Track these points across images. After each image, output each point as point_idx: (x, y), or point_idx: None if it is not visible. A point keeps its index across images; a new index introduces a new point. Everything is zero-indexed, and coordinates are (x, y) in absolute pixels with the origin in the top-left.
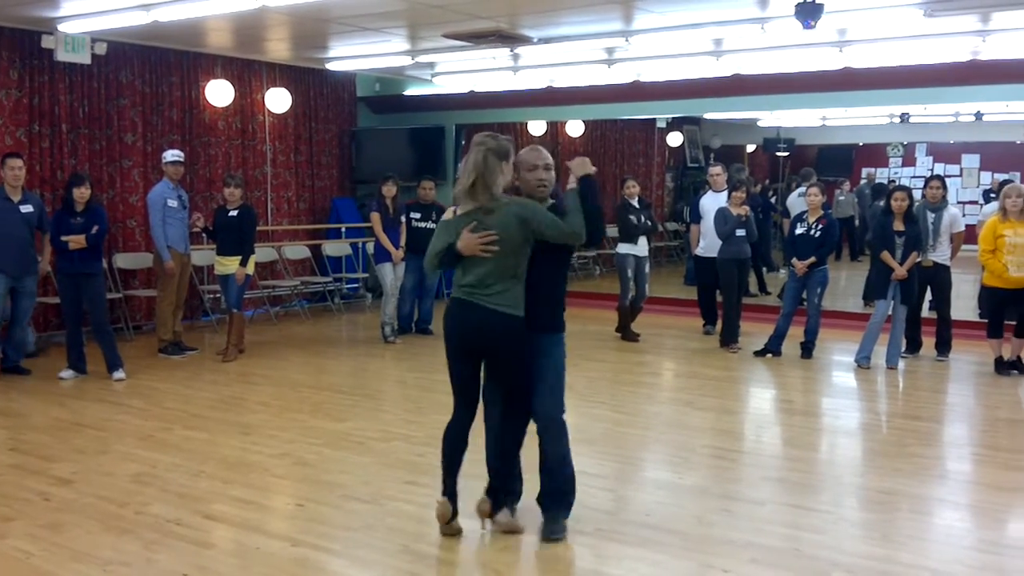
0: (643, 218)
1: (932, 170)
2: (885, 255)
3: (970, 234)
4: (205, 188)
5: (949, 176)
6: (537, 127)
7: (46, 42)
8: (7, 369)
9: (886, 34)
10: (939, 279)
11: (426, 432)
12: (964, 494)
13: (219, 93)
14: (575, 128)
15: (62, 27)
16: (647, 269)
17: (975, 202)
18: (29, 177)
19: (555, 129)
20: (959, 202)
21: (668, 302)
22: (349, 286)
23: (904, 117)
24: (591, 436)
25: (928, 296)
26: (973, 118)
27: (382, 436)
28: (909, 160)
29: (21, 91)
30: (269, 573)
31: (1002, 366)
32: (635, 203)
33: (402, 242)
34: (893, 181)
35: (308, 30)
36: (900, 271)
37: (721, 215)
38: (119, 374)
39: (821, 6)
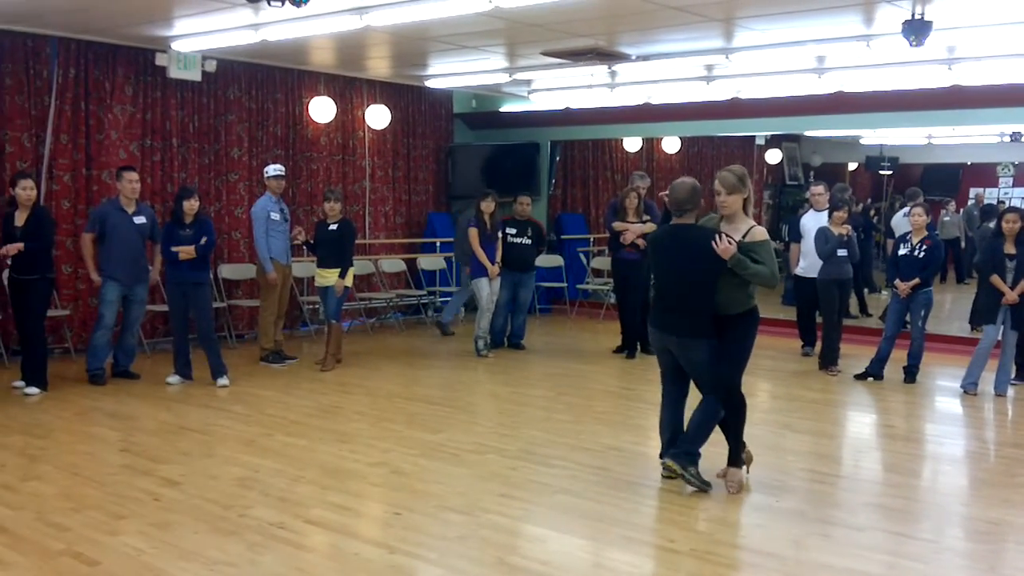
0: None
1: None
2: (995, 279)
3: None
4: (306, 202)
5: None
6: (633, 143)
7: (160, 60)
8: (117, 373)
9: (997, 51)
10: None
11: (519, 446)
12: None
13: (321, 109)
14: (671, 145)
15: (175, 45)
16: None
17: None
18: (141, 189)
19: (650, 145)
20: None
21: (766, 322)
22: (443, 299)
23: (1015, 136)
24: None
25: None
26: None
27: (476, 448)
28: (1020, 180)
29: (135, 107)
30: None
31: None
32: None
33: (498, 257)
34: (1003, 202)
35: (408, 48)
36: (1011, 295)
37: (822, 234)
38: (223, 381)
39: (930, 23)
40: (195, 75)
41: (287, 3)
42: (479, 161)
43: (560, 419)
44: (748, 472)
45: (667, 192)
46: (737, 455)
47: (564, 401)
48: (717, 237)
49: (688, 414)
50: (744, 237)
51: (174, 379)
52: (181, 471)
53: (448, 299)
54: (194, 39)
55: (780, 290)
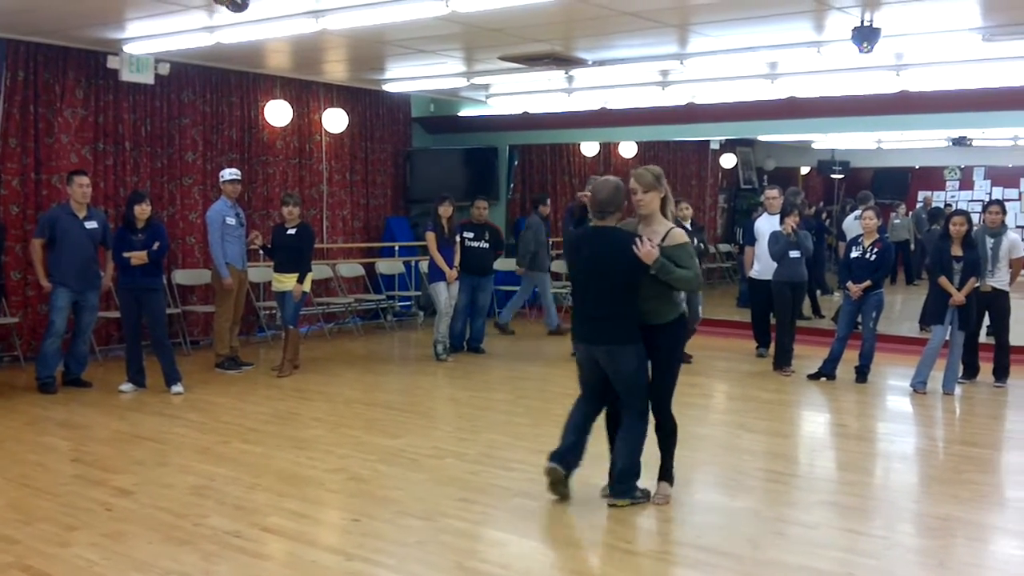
0: (696, 240)
1: (990, 194)
2: (943, 280)
3: None
4: (263, 206)
5: (1008, 200)
6: (590, 148)
7: (111, 62)
8: (69, 382)
9: (944, 58)
10: (998, 304)
11: (478, 450)
12: (1021, 521)
13: (277, 113)
14: (628, 149)
15: (127, 48)
16: (699, 291)
17: None
18: (93, 194)
19: (608, 150)
20: (1018, 227)
21: (721, 324)
22: (402, 304)
23: (962, 141)
24: (643, 457)
25: (986, 322)
26: None
27: (435, 453)
28: (967, 184)
29: (87, 110)
30: None
31: None
32: (688, 225)
33: (456, 262)
34: (950, 205)
35: (365, 52)
36: (958, 297)
37: (774, 237)
38: (177, 388)
39: (878, 30)
40: (148, 78)
41: (225, 8)
42: (437, 165)
43: (520, 423)
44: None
45: (586, 192)
46: (668, 471)
47: (524, 405)
48: (638, 240)
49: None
50: (663, 240)
51: (127, 387)
52: (134, 480)
53: (406, 303)
54: (147, 41)
55: (735, 292)
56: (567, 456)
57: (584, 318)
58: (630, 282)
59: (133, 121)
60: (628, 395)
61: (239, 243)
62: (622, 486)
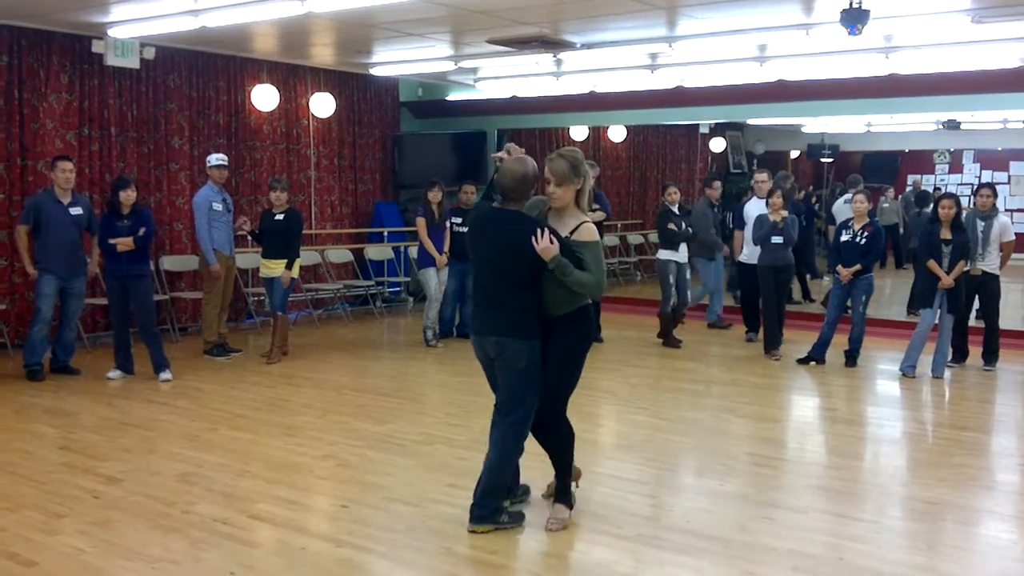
0: (684, 225)
1: (980, 177)
2: (931, 264)
3: (1020, 242)
4: (250, 192)
5: (997, 183)
6: (579, 132)
7: (96, 47)
8: (56, 369)
9: (933, 40)
10: (988, 288)
11: (468, 436)
12: (1010, 505)
13: (265, 98)
14: (617, 133)
15: (112, 32)
16: (688, 275)
17: (1021, 210)
18: (78, 180)
19: (597, 134)
20: (1008, 210)
21: None
22: (391, 290)
23: (951, 124)
24: (633, 442)
25: (975, 305)
26: (1022, 125)
27: (424, 439)
28: (956, 167)
29: (71, 95)
30: (313, 573)
31: None
32: (676, 210)
33: (446, 247)
34: (939, 188)
35: (353, 35)
36: (947, 280)
37: (758, 221)
38: (165, 375)
39: (867, 12)
40: (133, 62)
41: None
42: (426, 150)
43: None
44: (578, 486)
45: (500, 154)
46: (565, 491)
47: None
48: (539, 232)
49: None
50: (571, 233)
51: (115, 374)
52: (122, 468)
53: (395, 289)
54: (131, 25)
55: (725, 277)
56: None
57: (478, 306)
58: (525, 273)
59: (119, 106)
60: (509, 398)
61: (227, 229)
62: (482, 510)
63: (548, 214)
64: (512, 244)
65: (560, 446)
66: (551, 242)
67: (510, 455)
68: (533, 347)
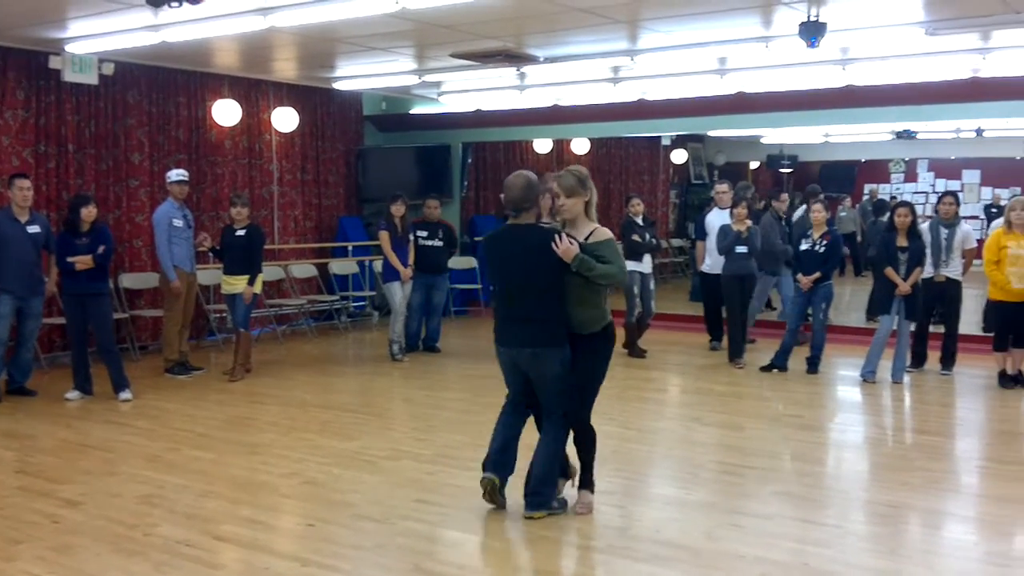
0: (648, 236)
1: (934, 186)
2: (889, 271)
3: (979, 249)
4: (212, 208)
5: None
6: (543, 145)
7: (53, 63)
8: (13, 391)
9: (888, 52)
10: (950, 294)
11: (435, 450)
12: (971, 507)
13: (226, 113)
14: (580, 146)
15: (69, 48)
16: (652, 286)
17: (976, 217)
18: (35, 198)
19: (560, 147)
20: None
21: (674, 318)
22: (356, 304)
23: (906, 134)
24: (600, 453)
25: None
26: (974, 134)
27: (391, 455)
28: (911, 176)
29: (28, 111)
30: None
31: (1006, 379)
32: (640, 221)
33: (410, 260)
34: (895, 197)
35: (315, 50)
36: (904, 287)
37: (722, 231)
38: (125, 395)
39: (824, 25)
40: (91, 78)
41: (184, 2)
42: (390, 164)
43: (477, 421)
44: (574, 484)
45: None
46: (588, 479)
47: (481, 403)
48: (557, 237)
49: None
50: (587, 238)
51: (73, 395)
52: (82, 491)
53: (360, 303)
54: (90, 41)
55: (687, 287)
56: (498, 463)
57: (505, 320)
58: (551, 281)
59: (77, 122)
60: (550, 401)
61: (187, 245)
62: (538, 497)
63: (564, 230)
64: (535, 254)
65: (585, 444)
66: (571, 244)
67: (557, 446)
68: (564, 353)
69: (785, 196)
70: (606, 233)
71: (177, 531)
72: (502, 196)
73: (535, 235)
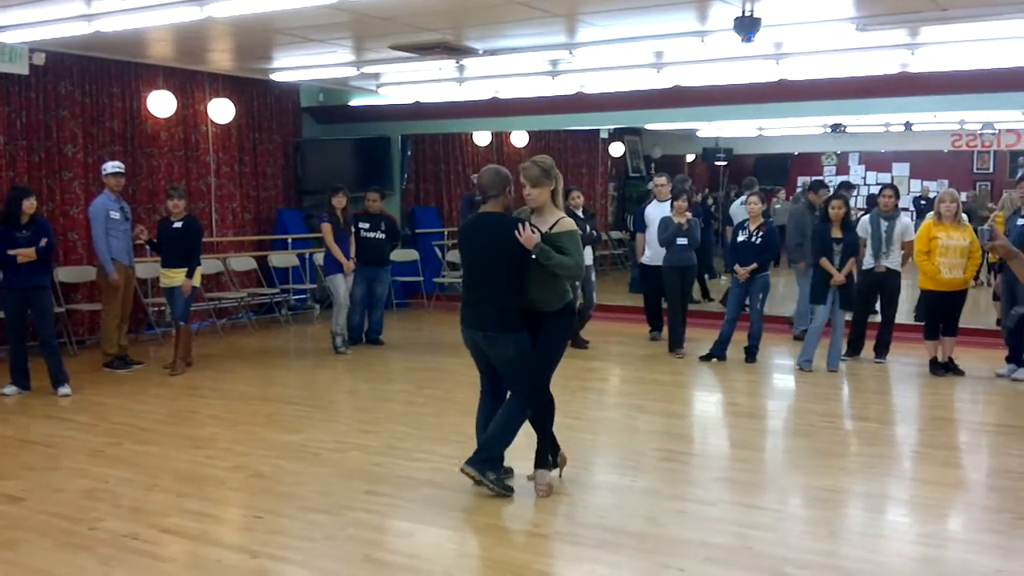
0: (588, 228)
1: (864, 178)
2: (824, 262)
3: None
4: (148, 200)
5: (881, 184)
6: (482, 137)
7: None
8: None
9: (820, 47)
10: (890, 284)
11: (382, 441)
12: (906, 491)
13: (161, 104)
14: (520, 139)
15: None
16: (593, 277)
17: (906, 209)
18: None
19: (500, 140)
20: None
21: (614, 309)
22: (296, 297)
23: (838, 127)
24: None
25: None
26: (903, 128)
27: (337, 447)
28: (843, 169)
29: None
30: None
31: (936, 367)
32: (580, 213)
33: (352, 253)
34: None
35: (252, 41)
36: (839, 277)
37: (663, 224)
38: (64, 389)
39: (759, 20)
40: (22, 68)
41: None
42: (329, 156)
43: (422, 412)
44: (561, 475)
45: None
46: (544, 456)
47: (425, 394)
48: (520, 226)
49: None
50: (552, 228)
51: (10, 390)
52: (23, 486)
53: (301, 296)
54: (20, 30)
55: (627, 278)
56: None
57: (467, 303)
58: (513, 268)
59: (7, 113)
60: (511, 380)
61: (124, 238)
62: (480, 454)
63: (531, 217)
64: (498, 241)
65: (543, 413)
66: (532, 232)
67: (512, 419)
68: (519, 338)
69: (824, 191)
70: (569, 224)
71: (123, 525)
72: (473, 177)
73: (500, 223)
